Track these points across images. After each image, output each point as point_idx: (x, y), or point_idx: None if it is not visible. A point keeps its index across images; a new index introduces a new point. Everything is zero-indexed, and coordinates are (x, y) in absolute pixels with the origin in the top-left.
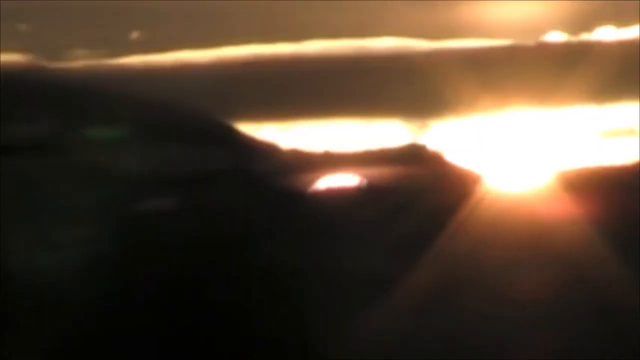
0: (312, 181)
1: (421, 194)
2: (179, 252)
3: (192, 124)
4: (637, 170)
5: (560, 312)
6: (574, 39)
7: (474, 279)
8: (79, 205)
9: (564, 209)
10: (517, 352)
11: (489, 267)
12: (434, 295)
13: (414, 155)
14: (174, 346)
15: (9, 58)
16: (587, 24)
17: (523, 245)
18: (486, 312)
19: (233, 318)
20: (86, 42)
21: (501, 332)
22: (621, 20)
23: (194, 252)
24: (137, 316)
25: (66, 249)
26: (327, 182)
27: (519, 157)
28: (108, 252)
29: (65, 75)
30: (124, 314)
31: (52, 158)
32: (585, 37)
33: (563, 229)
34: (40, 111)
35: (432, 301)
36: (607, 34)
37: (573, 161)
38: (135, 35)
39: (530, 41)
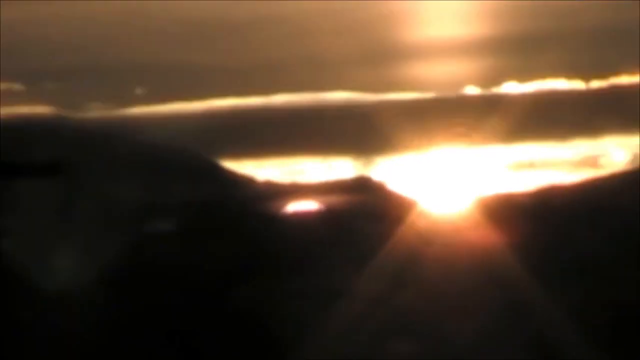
0: (282, 206)
1: (368, 217)
2: (176, 268)
3: (184, 161)
4: (541, 197)
5: (473, 309)
6: (486, 92)
7: (412, 284)
8: (88, 227)
9: (480, 227)
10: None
11: (423, 274)
12: (378, 300)
13: (362, 185)
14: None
15: (39, 110)
16: (497, 80)
17: (449, 255)
18: (419, 310)
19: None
20: (99, 97)
21: (430, 329)
22: (524, 76)
23: (189, 267)
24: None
25: (76, 265)
26: (294, 207)
27: (445, 187)
28: (113, 269)
29: (83, 123)
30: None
31: (69, 186)
32: (495, 90)
33: (480, 242)
34: (62, 151)
35: (377, 305)
36: (512, 87)
37: (487, 189)
38: (139, 90)
39: (451, 93)
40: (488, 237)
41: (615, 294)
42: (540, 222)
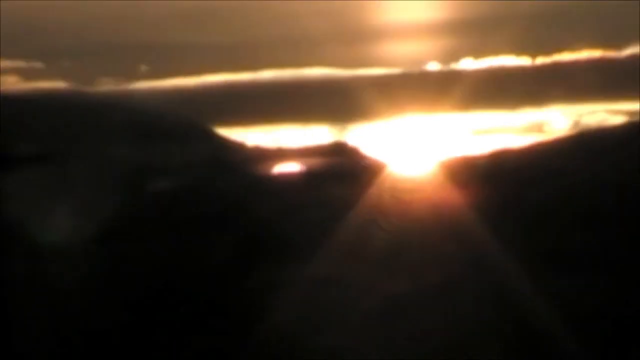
0: (269, 167)
1: (343, 178)
2: (173, 225)
3: (183, 127)
4: (495, 159)
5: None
6: (446, 67)
7: (378, 240)
8: (87, 186)
9: (442, 187)
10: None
11: (389, 229)
12: (348, 262)
13: (338, 150)
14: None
15: (56, 85)
16: (455, 57)
17: (413, 212)
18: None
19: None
20: (109, 73)
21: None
22: (479, 53)
23: (186, 225)
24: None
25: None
26: (279, 169)
27: (411, 151)
28: (115, 226)
29: (93, 96)
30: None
31: (76, 153)
32: (454, 66)
33: (442, 200)
34: (76, 121)
35: (345, 268)
36: (468, 64)
37: (448, 153)
38: (143, 67)
39: (416, 69)
40: (449, 195)
41: (560, 242)
42: (494, 182)
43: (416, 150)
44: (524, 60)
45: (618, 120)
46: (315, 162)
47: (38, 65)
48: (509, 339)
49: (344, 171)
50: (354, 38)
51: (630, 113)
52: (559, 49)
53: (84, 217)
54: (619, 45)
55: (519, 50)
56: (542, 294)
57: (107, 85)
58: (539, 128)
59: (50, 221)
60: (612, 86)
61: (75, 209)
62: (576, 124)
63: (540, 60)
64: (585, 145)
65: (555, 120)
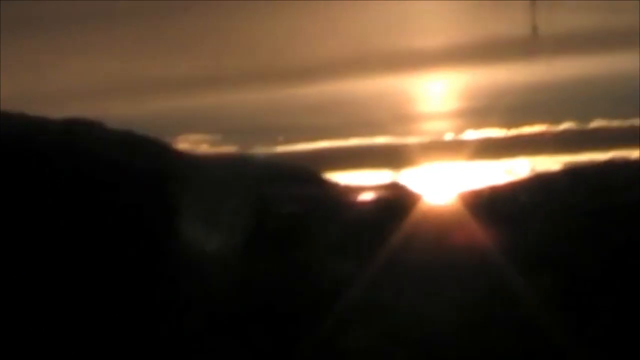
0: (353, 198)
1: (396, 207)
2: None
3: (301, 172)
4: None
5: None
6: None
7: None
8: (242, 210)
9: (466, 216)
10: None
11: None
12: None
13: (394, 187)
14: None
15: (228, 150)
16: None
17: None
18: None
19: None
20: (260, 143)
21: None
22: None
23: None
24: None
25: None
26: (358, 199)
27: (444, 189)
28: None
29: (248, 156)
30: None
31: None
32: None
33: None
34: (235, 173)
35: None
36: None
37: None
38: (280, 138)
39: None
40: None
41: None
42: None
43: (443, 187)
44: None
45: None
46: (380, 193)
47: (219, 137)
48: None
49: (396, 200)
50: (405, 118)
51: None
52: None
53: (233, 233)
54: None
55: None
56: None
57: (258, 150)
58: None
59: (208, 235)
60: None
61: (226, 227)
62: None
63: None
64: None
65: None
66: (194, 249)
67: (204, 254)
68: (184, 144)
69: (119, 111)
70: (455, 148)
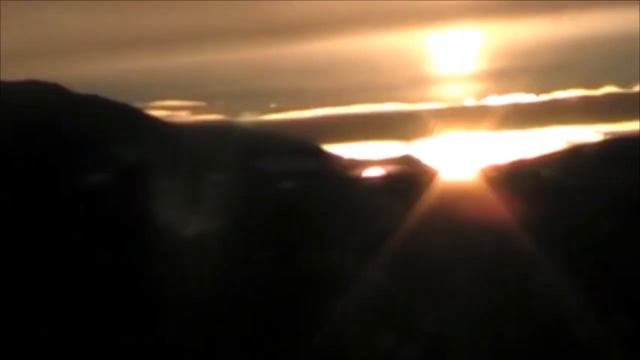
0: (358, 173)
1: (409, 182)
2: (287, 217)
3: (296, 144)
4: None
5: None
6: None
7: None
8: (229, 188)
9: (489, 195)
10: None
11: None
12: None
13: (406, 160)
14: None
15: (213, 118)
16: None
17: (463, 217)
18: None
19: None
20: (247, 109)
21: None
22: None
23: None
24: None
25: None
26: (364, 174)
27: (460, 161)
28: (241, 213)
29: (239, 125)
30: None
31: (221, 161)
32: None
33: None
34: (223, 143)
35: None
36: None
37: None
38: (273, 105)
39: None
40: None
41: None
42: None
43: (463, 161)
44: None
45: None
46: (390, 169)
47: (201, 104)
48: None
49: (409, 177)
50: (418, 81)
51: None
52: None
53: (217, 213)
54: None
55: None
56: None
57: (246, 118)
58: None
59: (190, 218)
60: None
61: (210, 206)
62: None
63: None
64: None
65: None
66: (171, 236)
67: (183, 242)
68: (160, 111)
69: (83, 72)
70: (476, 116)
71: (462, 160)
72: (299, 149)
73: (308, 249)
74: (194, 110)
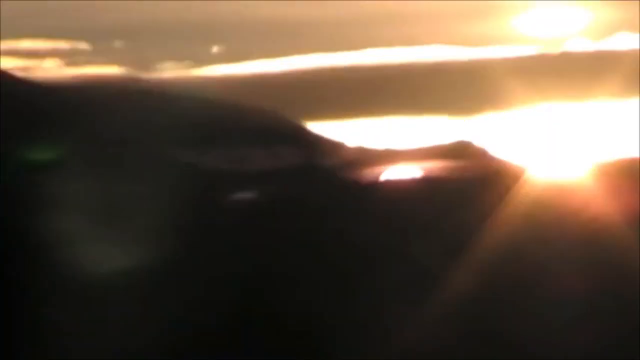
0: (375, 174)
1: (469, 186)
2: (256, 241)
3: (266, 125)
4: None
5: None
6: (593, 46)
7: (519, 268)
8: (160, 198)
9: (601, 199)
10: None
11: (532, 256)
12: (480, 285)
13: (462, 150)
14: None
15: (106, 71)
16: (607, 31)
17: (565, 234)
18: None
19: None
20: (172, 56)
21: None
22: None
23: (270, 240)
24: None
25: (145, 244)
26: (388, 175)
27: (555, 151)
28: (188, 240)
29: (155, 85)
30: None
31: (138, 152)
32: (604, 43)
33: (601, 217)
34: (133, 117)
35: (478, 292)
36: (623, 40)
37: (603, 152)
38: (215, 48)
39: (556, 48)
40: (603, 208)
41: None
42: None
43: (560, 150)
44: None
45: None
46: (432, 167)
47: (84, 46)
48: None
49: (469, 177)
50: (480, 12)
51: None
52: None
53: (143, 242)
54: None
55: None
56: None
57: (169, 71)
58: None
59: (102, 248)
60: None
61: (133, 230)
62: None
63: None
64: None
65: None
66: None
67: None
68: (13, 58)
69: None
70: (588, 70)
71: (560, 150)
72: (271, 131)
73: (288, 294)
74: (69, 57)
